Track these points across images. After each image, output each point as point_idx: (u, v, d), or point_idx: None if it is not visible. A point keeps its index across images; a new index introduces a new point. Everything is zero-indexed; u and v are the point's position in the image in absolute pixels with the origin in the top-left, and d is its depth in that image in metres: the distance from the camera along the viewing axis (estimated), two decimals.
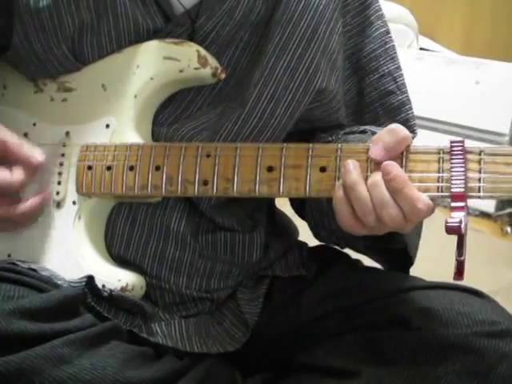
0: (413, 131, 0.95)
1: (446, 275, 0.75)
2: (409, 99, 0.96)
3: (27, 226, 0.87)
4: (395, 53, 0.96)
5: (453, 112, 2.82)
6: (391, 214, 0.71)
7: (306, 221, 0.99)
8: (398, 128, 0.74)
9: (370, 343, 0.81)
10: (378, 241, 0.85)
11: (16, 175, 0.82)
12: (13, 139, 0.83)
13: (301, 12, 0.87)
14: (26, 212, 0.84)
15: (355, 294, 0.87)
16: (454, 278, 0.71)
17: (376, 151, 0.74)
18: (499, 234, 2.65)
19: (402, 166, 0.72)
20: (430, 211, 0.71)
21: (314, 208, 0.94)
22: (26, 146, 0.83)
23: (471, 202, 0.71)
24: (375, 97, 0.95)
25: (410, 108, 0.96)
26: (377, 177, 0.72)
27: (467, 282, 0.75)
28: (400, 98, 0.95)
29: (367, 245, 0.92)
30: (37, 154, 0.83)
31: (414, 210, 0.71)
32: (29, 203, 0.84)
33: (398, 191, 0.71)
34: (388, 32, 0.96)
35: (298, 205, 1.01)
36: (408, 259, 0.91)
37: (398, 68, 0.96)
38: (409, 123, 0.95)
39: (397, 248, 0.88)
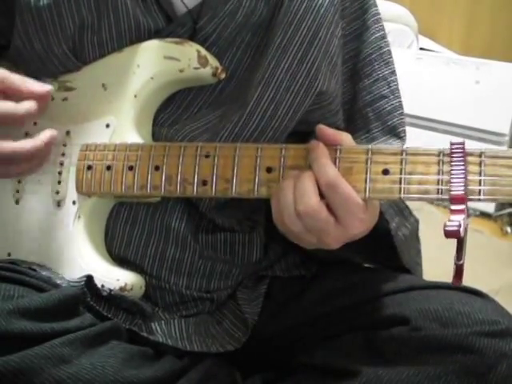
0: (402, 137, 0.95)
1: (446, 275, 0.75)
2: (401, 104, 0.96)
3: (36, 170, 0.85)
4: (390, 58, 0.96)
5: (453, 112, 2.82)
6: (308, 203, 0.71)
7: None
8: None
9: (370, 343, 0.81)
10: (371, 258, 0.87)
11: (21, 105, 0.80)
12: (13, 75, 0.81)
13: (302, 14, 0.87)
14: (32, 148, 0.81)
15: (355, 294, 0.87)
16: (453, 282, 0.71)
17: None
18: (499, 233, 2.65)
19: (401, 167, 0.72)
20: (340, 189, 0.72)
21: None
22: (29, 80, 0.81)
23: (471, 202, 0.70)
24: (368, 101, 0.95)
25: (402, 113, 0.96)
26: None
27: (467, 281, 0.75)
28: (392, 102, 0.95)
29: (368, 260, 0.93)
30: (40, 86, 0.81)
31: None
32: (38, 138, 0.82)
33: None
34: (384, 37, 0.95)
35: None
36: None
37: (393, 73, 0.96)
38: (399, 129, 0.95)
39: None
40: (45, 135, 0.82)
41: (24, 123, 0.82)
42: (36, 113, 0.81)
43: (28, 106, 0.80)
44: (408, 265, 0.91)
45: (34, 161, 0.84)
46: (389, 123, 0.94)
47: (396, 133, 0.93)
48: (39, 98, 0.81)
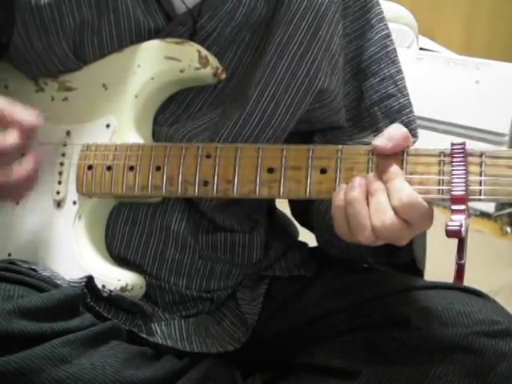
0: (414, 135, 0.94)
1: (446, 275, 0.75)
2: (410, 102, 0.96)
3: (23, 197, 0.83)
4: (396, 56, 0.96)
5: (453, 112, 2.82)
6: (385, 219, 0.70)
7: (315, 237, 0.98)
8: (399, 125, 0.75)
9: (370, 343, 0.81)
10: (387, 258, 0.86)
11: (9, 138, 0.76)
12: (4, 104, 0.77)
13: (302, 13, 0.87)
14: (21, 176, 0.78)
15: (355, 294, 0.88)
16: (454, 282, 0.71)
17: (379, 140, 0.73)
18: (499, 233, 2.65)
19: (402, 168, 0.72)
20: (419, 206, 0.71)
21: (322, 227, 0.93)
22: (19, 109, 0.77)
23: (471, 202, 0.70)
24: (375, 100, 0.94)
25: (411, 111, 0.95)
26: (377, 184, 0.72)
27: (467, 281, 0.75)
28: (401, 101, 0.95)
29: (378, 261, 0.92)
30: (30, 117, 0.76)
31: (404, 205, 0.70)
32: (24, 165, 0.78)
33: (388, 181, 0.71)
34: (389, 35, 0.95)
35: (302, 217, 1.01)
36: (419, 272, 0.92)
37: (399, 71, 0.95)
38: (409, 126, 0.93)
39: (408, 264, 0.89)
40: (34, 159, 0.79)
41: (11, 155, 0.78)
42: (24, 145, 0.77)
43: (14, 139, 0.76)
44: (417, 255, 0.90)
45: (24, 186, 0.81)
46: (398, 122, 0.93)
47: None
48: (26, 130, 0.77)
